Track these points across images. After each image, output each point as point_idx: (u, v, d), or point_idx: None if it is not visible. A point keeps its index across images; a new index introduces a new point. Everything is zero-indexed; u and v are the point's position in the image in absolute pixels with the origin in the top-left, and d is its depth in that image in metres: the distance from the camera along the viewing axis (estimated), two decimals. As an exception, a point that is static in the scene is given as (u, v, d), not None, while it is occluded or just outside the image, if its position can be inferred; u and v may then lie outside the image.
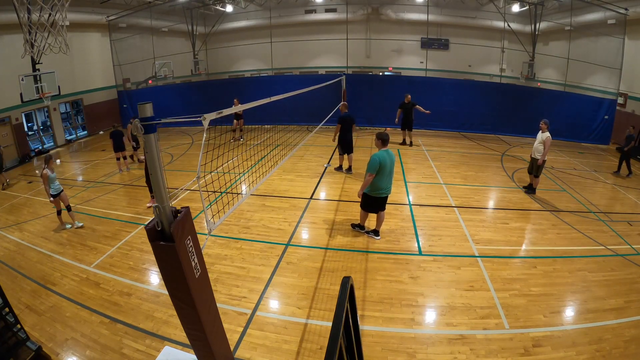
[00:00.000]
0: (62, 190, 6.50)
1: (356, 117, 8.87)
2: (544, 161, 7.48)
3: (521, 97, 13.62)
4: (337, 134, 8.81)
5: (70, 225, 6.50)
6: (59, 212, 6.50)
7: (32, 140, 13.26)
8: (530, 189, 7.95)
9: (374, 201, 5.57)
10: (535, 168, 7.66)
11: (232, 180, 8.47)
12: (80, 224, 6.69)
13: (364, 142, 11.74)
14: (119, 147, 9.79)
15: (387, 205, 5.76)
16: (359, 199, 5.75)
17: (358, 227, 6.12)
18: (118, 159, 9.94)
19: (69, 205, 6.62)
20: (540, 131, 7.47)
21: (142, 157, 10.12)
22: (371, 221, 6.09)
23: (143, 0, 16.70)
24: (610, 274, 5.04)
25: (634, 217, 6.97)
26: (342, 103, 9.09)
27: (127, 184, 9.02)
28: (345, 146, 8.90)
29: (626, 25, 12.89)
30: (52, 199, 6.39)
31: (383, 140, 5.31)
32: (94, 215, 7.22)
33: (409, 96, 11.32)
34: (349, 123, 8.69)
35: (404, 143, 11.83)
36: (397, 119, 11.43)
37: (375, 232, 5.94)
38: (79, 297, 4.71)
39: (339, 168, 9.29)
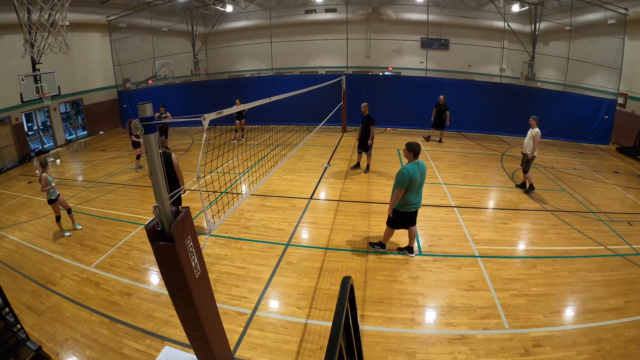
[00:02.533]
0: (59, 195, 6.36)
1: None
2: (533, 157, 7.62)
3: (521, 97, 13.61)
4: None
5: (69, 233, 6.44)
6: (58, 219, 6.38)
7: (32, 140, 13.23)
8: (526, 187, 7.96)
9: (403, 217, 5.12)
10: (524, 163, 7.81)
11: (232, 180, 8.47)
12: (79, 227, 6.65)
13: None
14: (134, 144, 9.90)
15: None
16: (390, 215, 5.20)
17: (378, 246, 5.58)
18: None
19: (69, 208, 6.57)
20: (530, 127, 7.58)
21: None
22: (400, 237, 5.74)
23: (143, 0, 16.70)
24: (610, 274, 5.04)
25: (634, 217, 6.97)
26: (364, 104, 8.80)
27: (127, 184, 9.01)
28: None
29: (626, 25, 12.88)
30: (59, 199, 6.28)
31: (415, 153, 4.84)
32: (94, 215, 7.22)
33: (442, 97, 11.61)
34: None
35: (428, 139, 12.47)
36: (432, 117, 11.88)
37: (410, 249, 5.47)
38: (79, 297, 4.71)
39: (357, 166, 9.38)
